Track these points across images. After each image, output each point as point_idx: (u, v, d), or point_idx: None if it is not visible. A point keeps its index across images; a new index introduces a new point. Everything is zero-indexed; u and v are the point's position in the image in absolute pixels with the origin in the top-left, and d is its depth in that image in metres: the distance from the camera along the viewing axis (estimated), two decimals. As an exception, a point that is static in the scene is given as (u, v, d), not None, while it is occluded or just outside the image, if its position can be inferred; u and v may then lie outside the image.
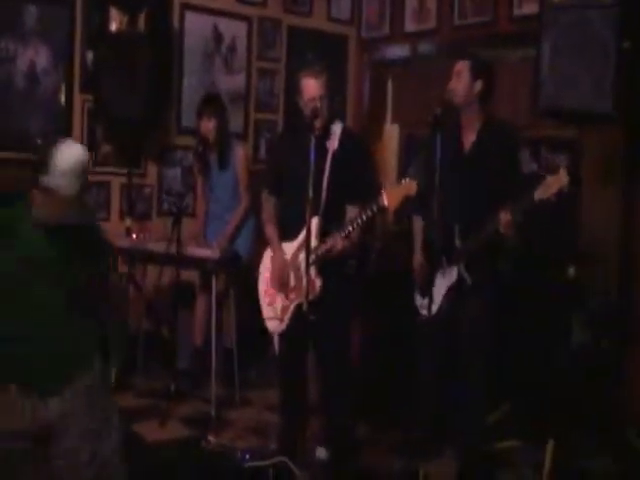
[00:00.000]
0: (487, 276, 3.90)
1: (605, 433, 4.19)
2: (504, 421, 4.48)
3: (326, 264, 3.78)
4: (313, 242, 3.70)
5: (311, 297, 3.65)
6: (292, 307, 3.85)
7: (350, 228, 3.72)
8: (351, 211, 3.83)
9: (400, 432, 4.40)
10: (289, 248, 3.89)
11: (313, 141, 3.60)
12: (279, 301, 3.90)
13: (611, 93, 3.85)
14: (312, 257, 3.68)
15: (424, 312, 3.94)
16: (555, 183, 3.56)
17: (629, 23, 3.92)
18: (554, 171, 3.60)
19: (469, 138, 3.93)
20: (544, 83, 4.08)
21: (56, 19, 5.26)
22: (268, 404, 4.80)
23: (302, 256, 3.74)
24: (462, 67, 3.90)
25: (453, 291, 3.89)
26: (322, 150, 3.75)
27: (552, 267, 4.52)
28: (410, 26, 6.20)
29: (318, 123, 3.77)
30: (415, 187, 3.64)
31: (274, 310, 3.92)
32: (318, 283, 3.75)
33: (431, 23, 6.01)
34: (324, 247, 3.72)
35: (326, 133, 3.84)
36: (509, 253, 4.18)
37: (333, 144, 3.86)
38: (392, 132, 6.66)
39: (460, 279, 3.87)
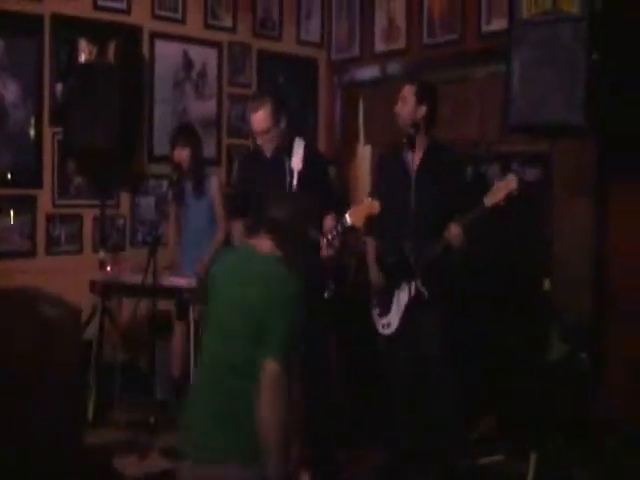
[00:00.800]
0: (443, 288, 4.02)
1: (586, 443, 4.19)
2: (487, 436, 4.47)
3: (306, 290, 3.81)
4: None
5: None
6: None
7: (330, 236, 3.88)
8: (328, 220, 4.03)
9: (382, 452, 4.36)
10: None
11: (272, 164, 3.94)
12: None
13: (582, 106, 3.86)
14: None
15: (385, 330, 4.04)
16: (503, 188, 3.76)
17: (598, 36, 3.94)
18: (503, 178, 3.81)
19: (415, 160, 4.03)
20: (514, 99, 4.09)
21: (24, 51, 5.22)
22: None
23: None
24: (407, 92, 4.06)
25: (411, 306, 3.97)
26: (284, 171, 3.95)
27: (527, 281, 4.52)
28: (380, 46, 6.22)
29: (269, 152, 4.01)
30: (377, 206, 3.79)
31: None
32: None
33: (400, 43, 6.04)
34: None
35: (288, 154, 3.97)
36: (463, 265, 4.32)
37: (297, 164, 3.99)
38: (365, 153, 6.65)
39: (418, 294, 3.95)
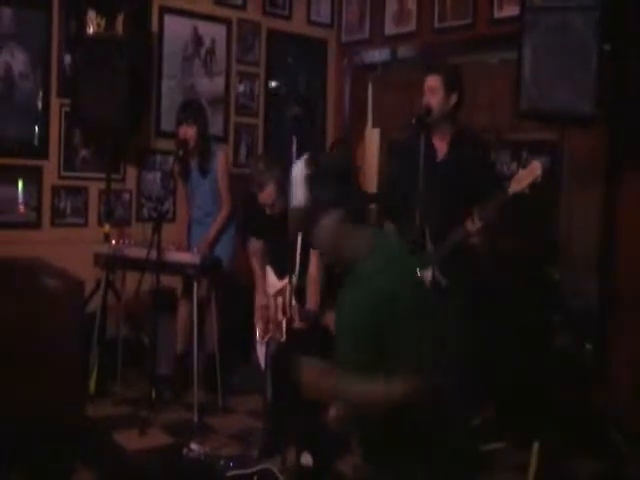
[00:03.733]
0: (461, 280, 3.89)
1: (589, 434, 4.20)
2: (488, 424, 4.48)
3: None
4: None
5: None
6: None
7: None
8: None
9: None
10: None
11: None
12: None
13: (593, 95, 3.85)
14: None
15: None
16: (528, 176, 3.57)
17: (610, 25, 3.93)
18: (527, 165, 3.61)
19: (442, 147, 3.96)
20: (525, 85, 4.07)
21: (32, 22, 5.19)
22: (251, 410, 4.75)
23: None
24: (435, 83, 3.89)
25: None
26: None
27: (534, 269, 4.52)
28: (390, 29, 6.19)
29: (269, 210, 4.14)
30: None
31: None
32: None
33: (411, 26, 6.00)
34: None
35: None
36: (482, 257, 4.21)
37: None
38: (373, 136, 6.64)
39: (434, 282, 3.86)
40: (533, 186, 3.57)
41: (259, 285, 4.35)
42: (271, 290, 4.21)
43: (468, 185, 3.81)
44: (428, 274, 3.84)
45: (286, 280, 3.97)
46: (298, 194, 3.61)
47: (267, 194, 4.08)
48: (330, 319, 3.93)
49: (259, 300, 4.30)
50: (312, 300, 3.97)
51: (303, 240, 3.71)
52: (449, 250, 3.80)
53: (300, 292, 3.77)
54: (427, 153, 3.86)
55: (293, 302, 3.86)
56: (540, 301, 4.30)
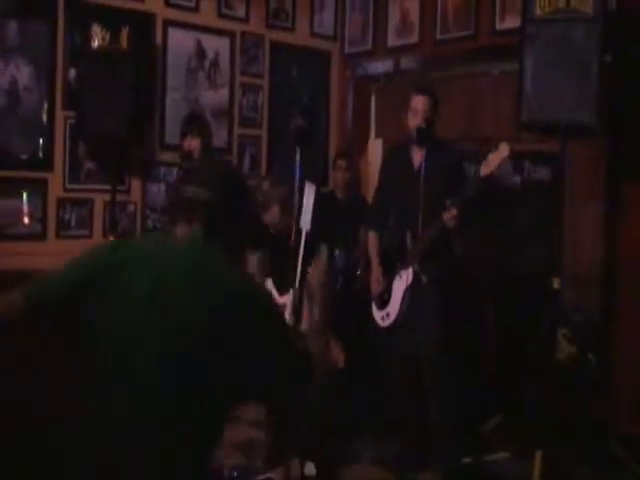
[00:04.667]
0: (442, 273, 4.08)
1: (590, 443, 4.20)
2: (492, 433, 4.48)
3: None
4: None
5: None
6: None
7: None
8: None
9: (387, 447, 4.38)
10: None
11: None
12: None
13: (594, 105, 3.87)
14: None
15: (384, 322, 4.08)
16: (496, 157, 3.80)
17: (611, 36, 3.95)
18: (495, 149, 3.83)
19: (418, 157, 4.13)
20: (527, 96, 4.10)
21: (37, 35, 5.23)
22: (254, 420, 4.76)
23: None
24: (421, 104, 4.11)
25: (409, 292, 4.01)
26: None
27: (536, 280, 4.53)
28: (393, 41, 6.23)
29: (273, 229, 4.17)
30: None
31: None
32: None
33: (413, 38, 6.04)
34: None
35: None
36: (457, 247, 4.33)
37: None
38: (376, 146, 6.67)
39: (415, 279, 4.00)
40: (501, 167, 3.85)
41: None
42: None
43: (442, 191, 3.98)
44: (409, 272, 3.95)
45: (286, 296, 3.98)
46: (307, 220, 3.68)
47: (272, 215, 4.09)
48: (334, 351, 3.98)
49: None
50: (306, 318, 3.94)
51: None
52: (428, 243, 3.97)
53: (297, 311, 3.75)
54: (404, 164, 4.15)
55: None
56: (541, 312, 4.31)
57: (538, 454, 3.80)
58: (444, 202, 3.89)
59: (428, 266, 4.02)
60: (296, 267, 3.55)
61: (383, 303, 4.17)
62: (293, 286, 3.66)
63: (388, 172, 4.42)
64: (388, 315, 4.12)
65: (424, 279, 4.00)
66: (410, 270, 4.01)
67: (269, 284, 4.29)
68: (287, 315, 3.95)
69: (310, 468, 4.02)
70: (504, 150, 3.79)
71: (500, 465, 4.22)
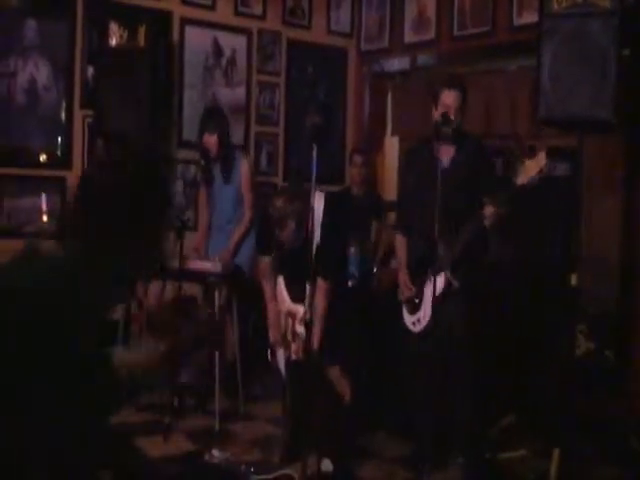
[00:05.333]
0: (472, 277, 3.96)
1: (609, 441, 4.18)
2: (510, 431, 4.47)
3: None
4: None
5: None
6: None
7: None
8: None
9: (403, 444, 4.38)
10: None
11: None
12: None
13: (612, 100, 3.84)
14: None
15: (415, 328, 4.01)
16: (534, 165, 3.66)
17: (629, 31, 3.92)
18: (532, 155, 3.70)
19: (445, 154, 3.99)
20: (544, 92, 4.07)
21: (56, 34, 5.28)
22: (272, 417, 4.78)
23: None
24: (452, 99, 3.98)
25: (441, 299, 3.87)
26: None
27: (554, 276, 4.51)
28: (409, 37, 6.22)
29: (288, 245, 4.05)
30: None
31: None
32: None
33: (430, 34, 6.02)
34: None
35: None
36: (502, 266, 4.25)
37: None
38: (392, 144, 6.66)
39: (447, 285, 3.91)
40: (540, 175, 3.66)
41: (270, 308, 4.29)
42: (282, 306, 4.20)
43: (473, 189, 3.89)
44: (441, 278, 3.87)
45: (298, 306, 4.00)
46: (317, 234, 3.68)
47: (288, 232, 3.95)
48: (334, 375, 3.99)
49: (271, 317, 4.29)
50: (315, 338, 3.89)
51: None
52: (461, 248, 3.85)
53: (307, 326, 3.70)
54: (430, 164, 3.92)
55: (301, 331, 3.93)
56: (560, 308, 4.29)
57: (556, 452, 3.78)
58: (480, 199, 3.80)
59: (460, 272, 3.90)
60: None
61: (414, 308, 4.10)
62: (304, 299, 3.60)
63: (412, 172, 4.24)
64: (419, 321, 4.03)
65: (456, 285, 3.89)
66: (442, 277, 3.88)
67: (280, 281, 4.25)
68: (298, 325, 3.99)
69: (327, 464, 4.02)
70: (542, 159, 3.67)
71: (518, 463, 4.20)
